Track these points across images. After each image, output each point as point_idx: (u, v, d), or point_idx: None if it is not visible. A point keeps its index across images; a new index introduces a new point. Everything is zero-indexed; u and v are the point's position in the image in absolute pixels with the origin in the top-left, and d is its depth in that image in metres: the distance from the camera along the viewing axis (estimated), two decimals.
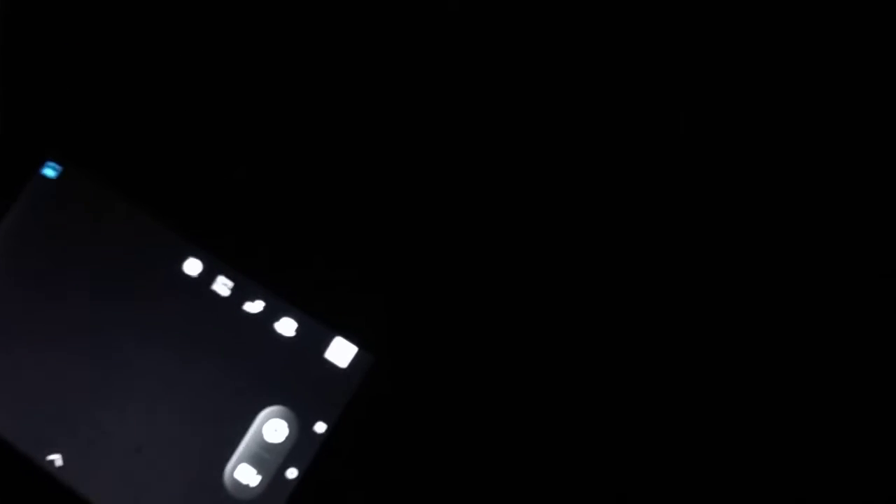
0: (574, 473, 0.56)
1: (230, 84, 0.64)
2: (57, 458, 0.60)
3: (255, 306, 0.61)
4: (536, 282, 0.59)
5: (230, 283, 0.61)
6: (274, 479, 0.58)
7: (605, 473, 0.55)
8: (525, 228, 0.59)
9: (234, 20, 0.64)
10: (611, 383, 0.56)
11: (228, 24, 0.64)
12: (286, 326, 0.60)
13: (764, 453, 0.53)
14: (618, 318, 0.57)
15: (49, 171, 0.64)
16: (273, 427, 0.59)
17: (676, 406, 0.55)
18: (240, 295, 0.61)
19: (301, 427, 0.59)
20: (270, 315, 0.60)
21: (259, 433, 0.59)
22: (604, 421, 0.56)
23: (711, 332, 0.55)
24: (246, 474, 0.59)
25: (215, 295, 0.61)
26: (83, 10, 0.65)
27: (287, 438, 0.59)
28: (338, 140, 0.62)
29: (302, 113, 0.63)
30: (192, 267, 0.62)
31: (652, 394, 0.55)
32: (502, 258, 0.59)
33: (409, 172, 0.61)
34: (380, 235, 0.61)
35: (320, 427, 0.59)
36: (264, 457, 0.59)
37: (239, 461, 0.59)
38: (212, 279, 0.61)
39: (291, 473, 0.58)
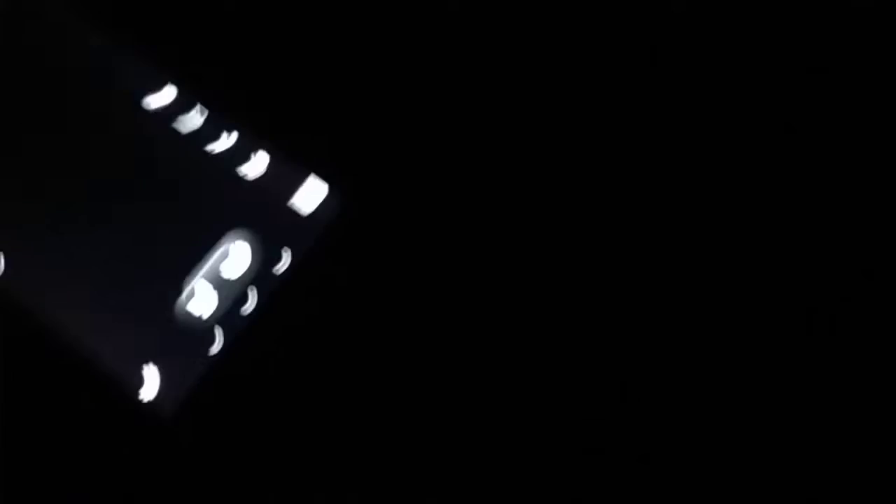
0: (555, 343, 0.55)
1: None
2: None
3: (226, 141, 0.61)
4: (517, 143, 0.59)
5: (203, 113, 0.61)
6: (228, 312, 0.58)
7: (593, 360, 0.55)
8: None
9: None
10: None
11: None
12: (257, 162, 0.60)
13: (764, 453, 0.53)
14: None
15: None
16: (233, 257, 0.59)
17: (673, 398, 0.55)
18: (211, 129, 0.61)
19: (262, 260, 0.59)
20: (242, 150, 0.60)
21: (216, 266, 0.59)
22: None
23: (711, 331, 0.55)
24: (199, 305, 0.58)
25: (186, 125, 0.61)
26: None
27: (246, 271, 0.58)
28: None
29: None
30: (166, 96, 0.61)
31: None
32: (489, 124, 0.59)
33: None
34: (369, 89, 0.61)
35: (284, 259, 0.59)
36: (222, 283, 0.58)
37: (194, 291, 0.58)
38: (185, 109, 0.61)
39: (248, 308, 0.58)
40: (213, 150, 0.61)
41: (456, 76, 0.61)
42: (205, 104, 0.61)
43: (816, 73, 0.57)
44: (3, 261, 0.59)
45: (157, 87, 0.62)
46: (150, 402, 0.56)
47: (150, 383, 0.56)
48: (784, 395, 0.53)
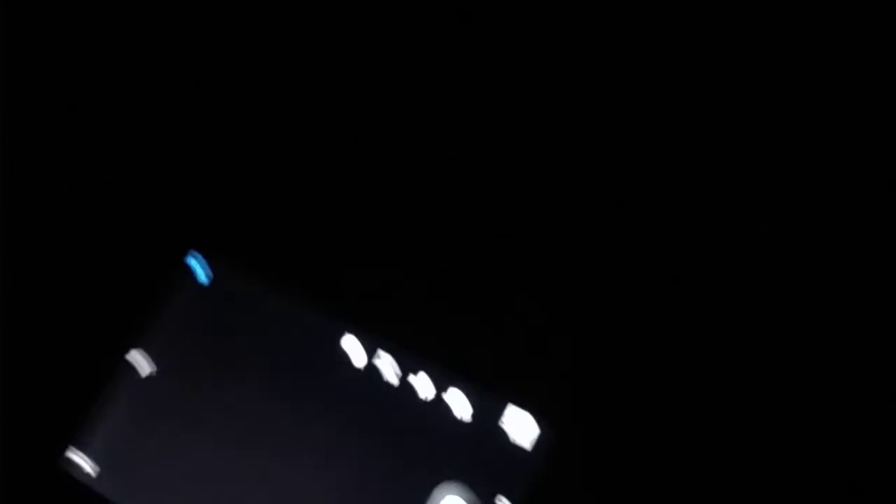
0: None
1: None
2: None
3: (424, 389, 0.58)
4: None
5: (394, 363, 0.59)
6: None
7: None
8: None
9: None
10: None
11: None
12: (458, 404, 0.57)
13: (764, 453, 0.53)
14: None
15: (199, 276, 0.63)
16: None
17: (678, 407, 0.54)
18: (407, 376, 0.58)
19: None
20: (439, 395, 0.58)
21: None
22: None
23: (711, 331, 0.55)
24: None
25: (382, 380, 0.59)
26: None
27: None
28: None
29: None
30: (351, 347, 0.60)
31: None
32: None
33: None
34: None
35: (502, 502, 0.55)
36: None
37: None
38: (374, 360, 0.59)
39: None
40: (415, 397, 0.58)
41: None
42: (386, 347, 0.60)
43: (817, 73, 0.56)
44: None
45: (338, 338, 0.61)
46: None
47: None
48: (784, 394, 0.53)
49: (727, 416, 0.54)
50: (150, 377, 0.63)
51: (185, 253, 0.64)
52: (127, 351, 0.63)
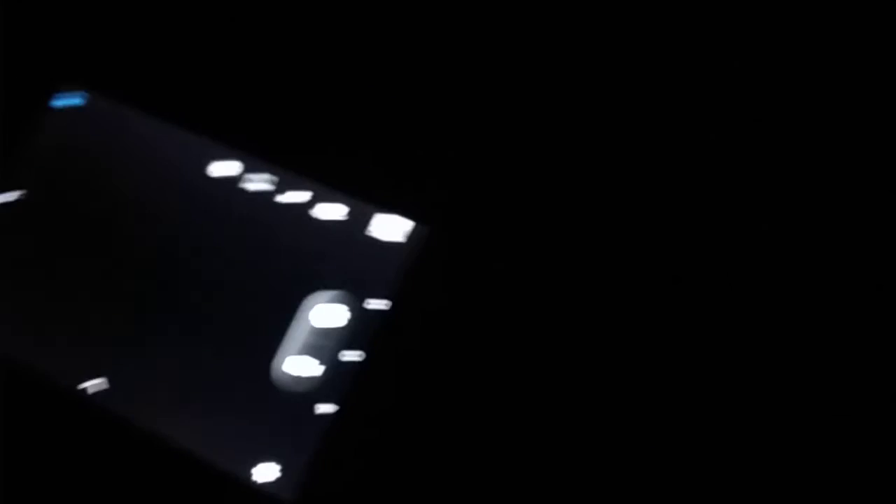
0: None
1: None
2: (101, 383, 0.58)
3: (299, 196, 0.58)
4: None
5: (274, 178, 0.59)
6: (333, 365, 0.55)
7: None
8: None
9: None
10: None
11: None
12: (333, 211, 0.58)
13: (763, 453, 0.53)
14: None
15: (67, 100, 0.63)
16: (324, 312, 0.56)
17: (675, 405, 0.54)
18: (283, 187, 0.59)
19: (355, 308, 0.56)
20: (315, 202, 0.58)
21: (307, 321, 0.56)
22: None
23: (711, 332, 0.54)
24: (300, 365, 0.56)
25: (256, 190, 0.59)
26: None
27: (340, 322, 0.56)
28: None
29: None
30: (231, 168, 0.60)
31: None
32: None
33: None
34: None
35: (376, 304, 0.56)
36: (319, 344, 0.56)
37: (288, 353, 0.56)
38: (253, 176, 0.59)
39: (352, 356, 0.55)
40: (283, 202, 0.59)
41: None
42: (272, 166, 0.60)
43: (817, 73, 0.56)
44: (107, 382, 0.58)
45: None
46: (269, 487, 0.55)
47: (269, 472, 0.55)
48: (784, 395, 0.53)
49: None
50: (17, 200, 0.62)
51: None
52: None
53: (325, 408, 0.55)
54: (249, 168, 0.59)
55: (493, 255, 0.56)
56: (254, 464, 0.55)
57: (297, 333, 0.56)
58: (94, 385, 0.58)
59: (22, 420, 0.59)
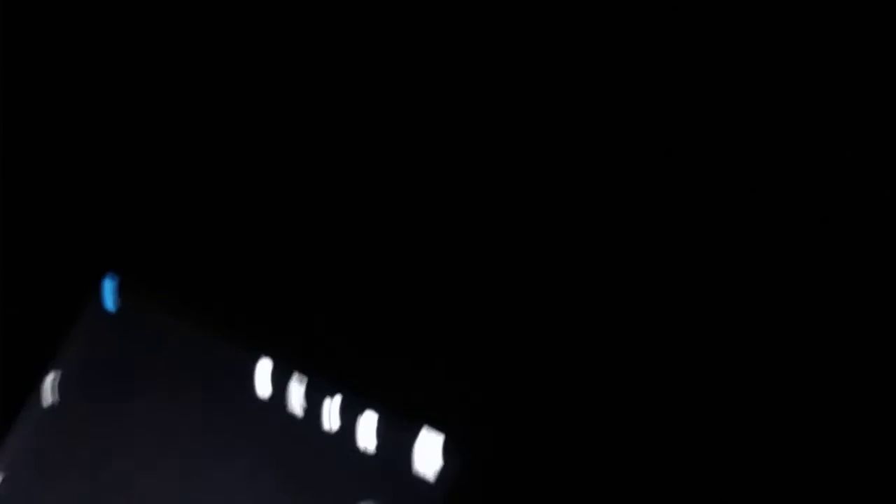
0: None
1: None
2: None
3: (331, 421, 0.57)
4: None
5: (302, 392, 0.58)
6: None
7: None
8: None
9: None
10: None
11: None
12: (366, 431, 0.56)
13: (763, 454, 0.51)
14: None
15: (106, 303, 0.63)
16: None
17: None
18: (315, 407, 0.57)
19: None
20: (348, 425, 0.56)
21: None
22: None
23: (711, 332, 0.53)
24: None
25: (290, 412, 0.58)
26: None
27: None
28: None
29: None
30: (260, 375, 0.59)
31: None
32: None
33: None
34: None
35: None
36: None
37: None
38: (284, 392, 0.59)
39: None
40: (327, 427, 0.57)
41: None
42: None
43: (817, 73, 0.55)
44: None
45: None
46: None
47: None
48: (784, 395, 0.52)
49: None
50: (52, 407, 0.63)
51: (93, 279, 0.64)
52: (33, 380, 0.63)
53: None
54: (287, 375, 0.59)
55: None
56: None
57: None
58: None
59: None
